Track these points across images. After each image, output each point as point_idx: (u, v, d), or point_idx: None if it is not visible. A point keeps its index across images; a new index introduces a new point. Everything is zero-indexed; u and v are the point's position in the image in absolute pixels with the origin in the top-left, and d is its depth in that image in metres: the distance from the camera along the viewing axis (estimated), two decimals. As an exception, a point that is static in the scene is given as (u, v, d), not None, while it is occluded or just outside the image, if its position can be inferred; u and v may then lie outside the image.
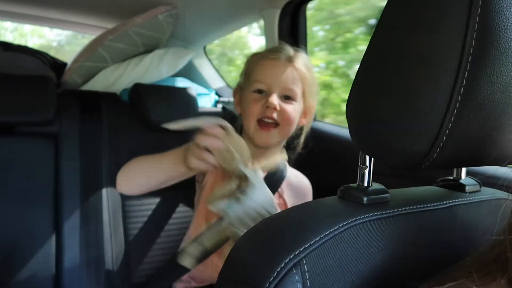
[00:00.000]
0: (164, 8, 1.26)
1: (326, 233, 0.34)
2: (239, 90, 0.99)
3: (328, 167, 1.06)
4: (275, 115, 0.89)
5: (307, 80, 0.95)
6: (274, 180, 0.95)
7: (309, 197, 1.04)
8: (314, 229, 0.35)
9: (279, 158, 0.93)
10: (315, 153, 1.10)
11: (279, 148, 0.99)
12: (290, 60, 0.93)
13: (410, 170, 0.37)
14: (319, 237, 0.34)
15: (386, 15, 0.35)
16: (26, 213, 0.97)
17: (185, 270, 0.87)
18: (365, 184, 0.41)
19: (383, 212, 0.38)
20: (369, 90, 0.36)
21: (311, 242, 0.33)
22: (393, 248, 0.36)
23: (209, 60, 1.66)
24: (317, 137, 1.13)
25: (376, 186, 0.41)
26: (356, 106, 0.38)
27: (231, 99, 1.41)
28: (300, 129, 1.01)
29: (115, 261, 1.02)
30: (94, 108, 1.10)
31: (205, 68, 1.64)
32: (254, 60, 0.96)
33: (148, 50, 1.34)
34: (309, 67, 0.96)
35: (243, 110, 0.95)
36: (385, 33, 0.35)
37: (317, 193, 1.11)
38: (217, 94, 1.56)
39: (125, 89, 1.24)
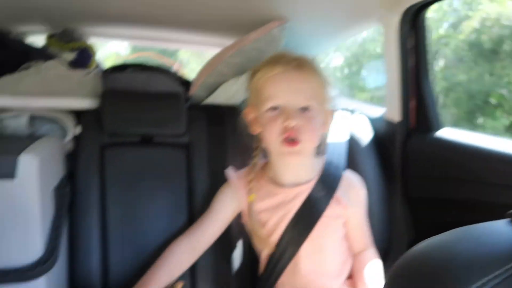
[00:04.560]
0: (278, 22, 1.30)
1: (500, 271, 0.32)
2: (252, 109, 0.95)
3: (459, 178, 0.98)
4: (296, 133, 0.86)
5: (321, 85, 0.90)
6: (329, 181, 0.94)
7: (363, 191, 0.99)
8: (485, 266, 0.32)
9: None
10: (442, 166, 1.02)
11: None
12: (299, 68, 0.88)
13: None
14: (490, 277, 0.31)
15: None
16: (165, 212, 1.10)
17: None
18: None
19: None
20: None
21: (483, 282, 0.31)
22: None
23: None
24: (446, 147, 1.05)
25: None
26: None
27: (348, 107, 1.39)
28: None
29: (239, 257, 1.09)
30: (218, 120, 1.20)
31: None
32: (262, 75, 0.90)
33: (263, 62, 1.40)
34: (318, 70, 0.90)
35: (263, 130, 0.92)
36: None
37: (442, 206, 1.04)
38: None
39: (243, 101, 1.31)
